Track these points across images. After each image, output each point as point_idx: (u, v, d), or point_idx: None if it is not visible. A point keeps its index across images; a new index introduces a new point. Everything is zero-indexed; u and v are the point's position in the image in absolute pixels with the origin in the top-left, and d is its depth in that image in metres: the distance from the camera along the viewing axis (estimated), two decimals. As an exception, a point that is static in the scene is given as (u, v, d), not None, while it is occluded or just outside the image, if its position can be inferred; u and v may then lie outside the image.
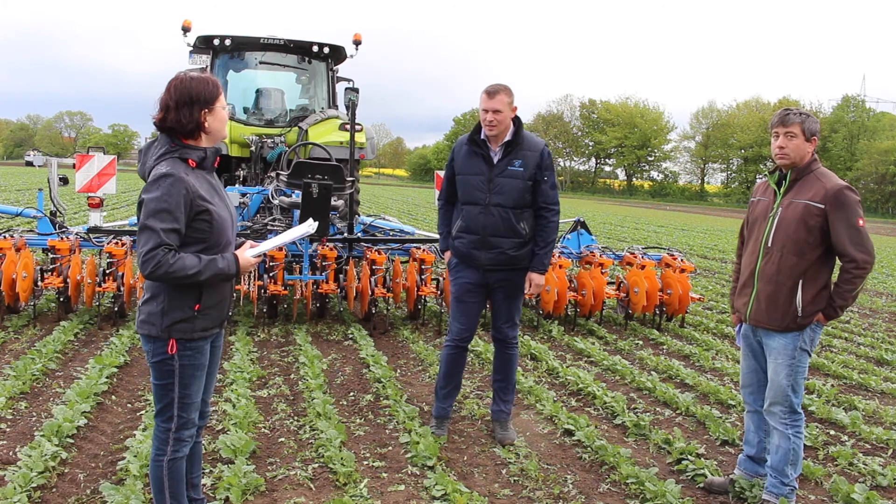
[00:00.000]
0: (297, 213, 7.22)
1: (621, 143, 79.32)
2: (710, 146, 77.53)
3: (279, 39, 9.40)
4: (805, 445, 4.34)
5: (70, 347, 6.15)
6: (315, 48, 9.50)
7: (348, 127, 7.89)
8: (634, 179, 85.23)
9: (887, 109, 73.92)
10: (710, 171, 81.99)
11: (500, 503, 3.83)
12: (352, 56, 9.62)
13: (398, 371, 6.07)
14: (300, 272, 7.31)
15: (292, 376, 5.73)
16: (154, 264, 2.65)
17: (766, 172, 3.86)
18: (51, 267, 7.04)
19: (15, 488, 3.48)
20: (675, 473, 4.26)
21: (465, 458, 4.35)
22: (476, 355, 6.59)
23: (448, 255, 4.75)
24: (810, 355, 3.69)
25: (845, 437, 4.98)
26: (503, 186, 4.41)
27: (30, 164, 57.15)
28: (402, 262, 7.83)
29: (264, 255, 6.99)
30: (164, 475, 2.93)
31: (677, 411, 5.36)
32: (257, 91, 9.94)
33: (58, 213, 8.28)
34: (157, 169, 2.74)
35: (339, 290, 7.40)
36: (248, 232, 7.53)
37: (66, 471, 3.85)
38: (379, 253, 7.45)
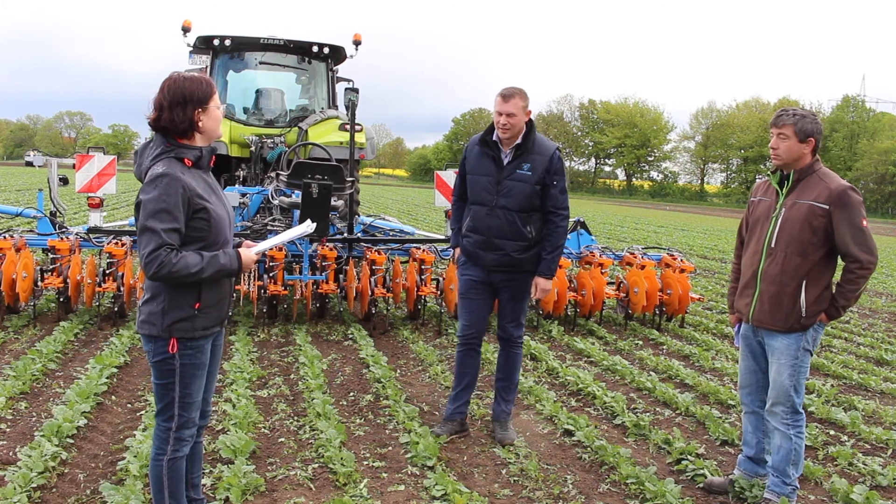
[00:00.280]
0: (297, 213, 7.22)
1: (621, 143, 79.33)
2: (710, 146, 77.51)
3: (279, 40, 9.40)
4: (805, 445, 4.34)
5: (70, 347, 6.15)
6: (315, 48, 9.50)
7: (348, 127, 7.89)
8: (634, 179, 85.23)
9: (887, 109, 73.95)
10: (709, 171, 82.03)
11: (500, 503, 3.83)
12: (352, 56, 9.63)
13: (398, 371, 6.07)
14: (300, 272, 7.31)
15: (292, 376, 5.73)
16: (157, 265, 2.66)
17: (768, 172, 3.86)
18: (51, 267, 7.04)
19: (15, 488, 3.48)
20: (674, 473, 4.26)
21: (465, 458, 4.35)
22: (476, 355, 6.58)
23: (457, 251, 4.77)
24: (812, 355, 3.70)
25: (845, 437, 4.98)
26: (510, 189, 4.41)
27: (30, 164, 57.11)
28: (401, 263, 7.83)
29: (264, 254, 7.00)
30: (164, 474, 2.94)
31: (677, 411, 5.36)
32: (257, 91, 9.94)
33: (58, 214, 8.28)
34: (153, 169, 2.75)
35: (338, 291, 7.41)
36: (248, 232, 7.53)
37: (66, 471, 3.85)
38: (379, 253, 7.45)
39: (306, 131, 9.14)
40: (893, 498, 4.07)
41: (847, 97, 70.61)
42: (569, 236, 9.11)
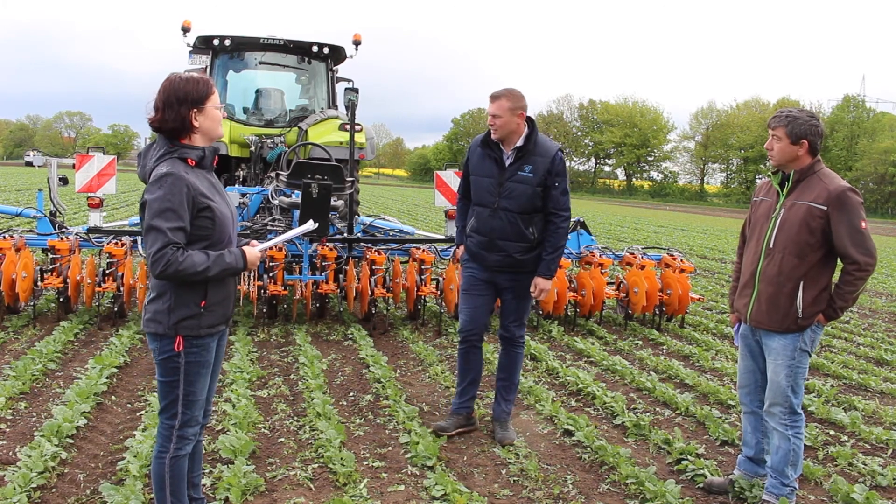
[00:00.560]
0: (297, 213, 7.22)
1: (621, 143, 79.34)
2: (710, 146, 77.50)
3: (279, 40, 9.40)
4: (805, 445, 4.33)
5: (70, 347, 6.15)
6: (315, 48, 9.50)
7: (348, 127, 7.89)
8: (634, 179, 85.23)
9: (887, 109, 73.93)
10: (709, 171, 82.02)
11: (500, 503, 3.83)
12: (351, 56, 9.63)
13: (398, 371, 6.07)
14: (300, 272, 7.31)
15: (292, 376, 5.73)
16: (164, 264, 2.69)
17: (769, 173, 3.85)
18: (51, 267, 7.04)
19: (15, 488, 3.48)
20: (674, 473, 4.26)
21: (465, 459, 4.35)
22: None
23: (461, 249, 4.79)
24: (810, 356, 3.69)
25: (845, 438, 4.98)
26: (512, 191, 4.41)
27: (29, 164, 57.17)
28: (401, 263, 7.83)
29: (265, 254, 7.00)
30: (166, 472, 2.95)
31: (677, 411, 5.36)
32: (257, 91, 9.94)
33: (58, 214, 8.28)
34: (157, 170, 2.77)
35: (338, 291, 7.40)
36: (248, 232, 7.53)
37: (65, 471, 3.85)
38: (379, 253, 7.45)
39: (306, 131, 9.14)
40: (893, 498, 4.07)
41: (847, 97, 70.63)
42: (569, 236, 9.13)
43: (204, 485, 3.68)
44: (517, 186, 4.41)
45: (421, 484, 3.92)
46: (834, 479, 4.11)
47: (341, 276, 7.56)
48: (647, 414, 5.23)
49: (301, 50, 9.63)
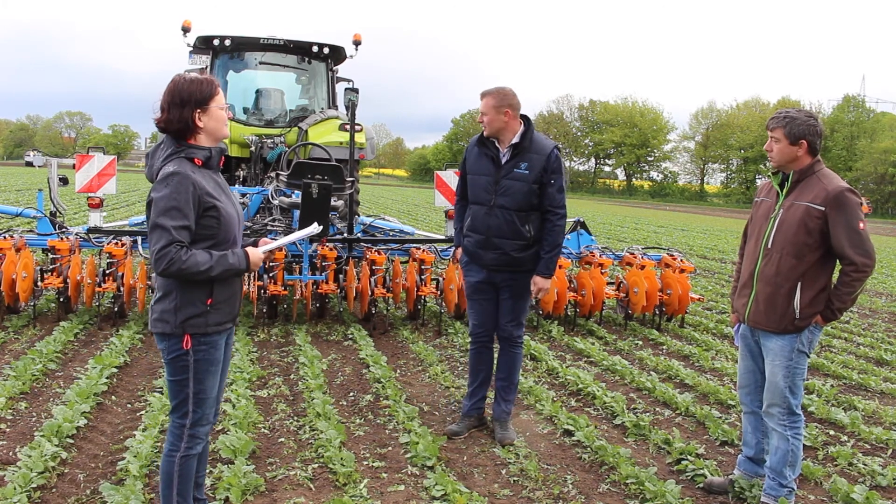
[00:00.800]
0: (297, 213, 7.22)
1: (621, 143, 79.35)
2: (710, 146, 77.52)
3: (279, 40, 9.40)
4: (805, 445, 4.34)
5: (70, 348, 6.15)
6: (315, 48, 9.50)
7: (348, 127, 7.89)
8: (634, 179, 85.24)
9: (887, 109, 73.97)
10: (709, 171, 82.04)
11: (500, 503, 3.83)
12: (351, 56, 9.63)
13: (398, 371, 6.07)
14: (300, 272, 7.31)
15: (292, 376, 5.73)
16: (167, 261, 2.71)
17: (769, 173, 3.85)
18: (51, 267, 7.04)
19: (15, 488, 3.48)
20: (674, 474, 4.26)
21: (465, 459, 4.35)
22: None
23: (459, 250, 4.79)
24: (808, 357, 3.68)
25: (845, 438, 4.98)
26: (508, 188, 4.42)
27: (30, 164, 57.18)
28: (401, 263, 7.83)
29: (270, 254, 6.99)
30: (175, 471, 2.96)
31: (677, 411, 5.36)
32: (257, 91, 9.94)
33: (58, 214, 8.29)
34: (164, 169, 2.80)
35: (338, 291, 7.41)
36: (248, 232, 7.53)
37: (65, 471, 3.85)
38: (379, 253, 7.45)
39: (306, 131, 9.14)
40: (893, 498, 4.07)
41: (847, 97, 70.63)
42: (569, 236, 9.12)
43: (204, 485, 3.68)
44: (513, 184, 4.42)
45: (421, 484, 3.92)
46: (834, 479, 4.11)
47: (341, 276, 7.56)
48: (647, 414, 5.23)
49: (301, 50, 9.63)
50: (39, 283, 6.79)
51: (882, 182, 62.11)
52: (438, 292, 7.57)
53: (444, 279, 7.51)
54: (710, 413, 5.18)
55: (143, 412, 4.70)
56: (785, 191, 3.66)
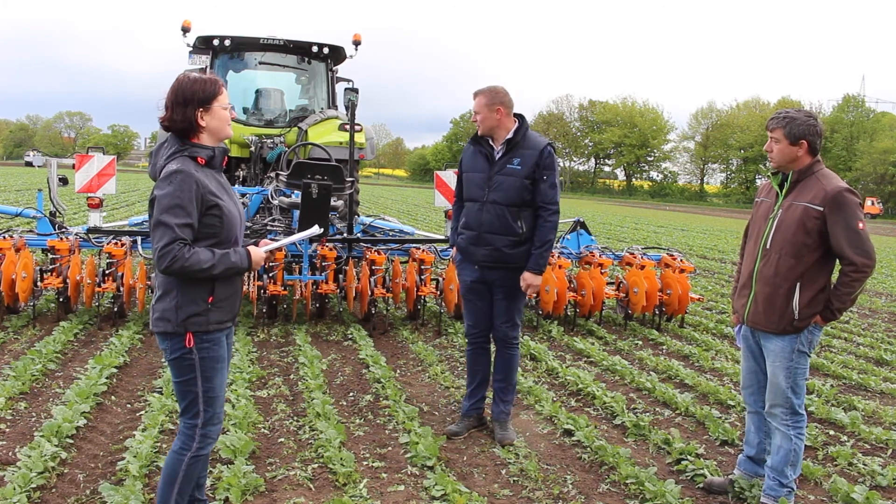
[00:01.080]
0: (297, 213, 7.22)
1: (620, 143, 79.36)
2: (710, 146, 77.55)
3: (279, 40, 9.40)
4: (805, 445, 4.33)
5: (70, 348, 6.15)
6: (314, 48, 9.50)
7: (348, 127, 7.89)
8: (634, 180, 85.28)
9: (887, 109, 73.96)
10: (709, 171, 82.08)
11: (500, 503, 3.83)
12: (351, 56, 9.63)
13: (398, 371, 6.07)
14: (300, 272, 7.31)
15: (292, 376, 5.73)
16: (170, 259, 2.71)
17: (768, 173, 3.85)
18: (50, 267, 7.04)
19: (14, 488, 3.48)
20: (674, 473, 4.26)
21: (465, 459, 4.35)
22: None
23: (454, 251, 4.81)
24: (809, 356, 3.68)
25: (845, 438, 4.98)
26: (501, 184, 4.45)
27: (29, 164, 57.14)
28: (401, 263, 7.83)
29: (272, 254, 6.99)
30: (182, 470, 2.94)
31: (677, 411, 5.36)
32: (257, 91, 9.94)
33: (57, 214, 8.28)
34: (168, 167, 2.80)
35: (338, 291, 7.40)
36: (248, 232, 7.53)
37: (65, 471, 3.85)
38: (378, 253, 7.45)
39: (306, 131, 9.14)
40: (893, 498, 4.07)
41: (847, 97, 70.64)
42: (568, 236, 9.13)
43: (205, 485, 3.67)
44: (505, 179, 4.45)
45: (421, 484, 3.92)
46: (834, 479, 4.11)
47: (341, 276, 7.56)
48: (647, 414, 5.23)
49: (301, 50, 9.63)
50: (39, 284, 6.79)
51: (882, 182, 62.12)
52: (438, 292, 7.57)
53: (443, 279, 7.51)
54: (709, 413, 5.18)
55: (142, 412, 4.69)
56: (784, 191, 3.66)
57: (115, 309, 7.18)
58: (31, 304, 7.00)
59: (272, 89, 10.00)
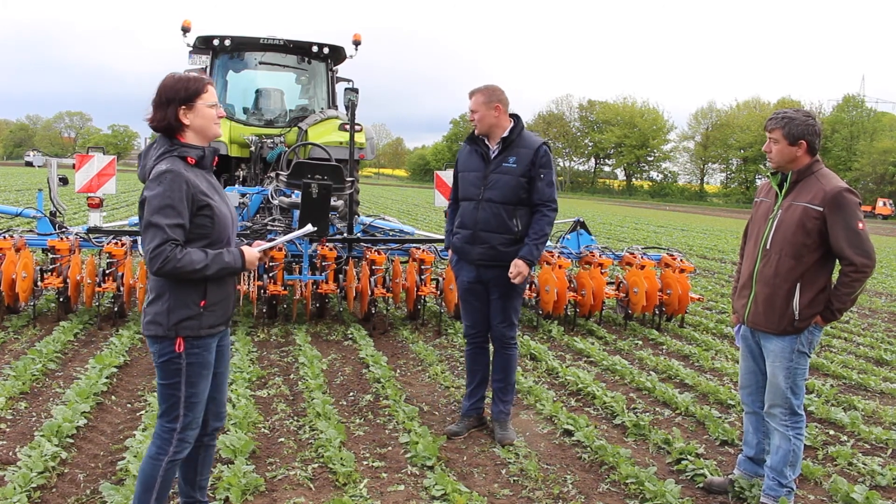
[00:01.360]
0: (297, 213, 7.22)
1: (620, 143, 79.36)
2: (710, 146, 77.55)
3: (279, 40, 9.41)
4: (805, 445, 4.34)
5: (70, 347, 6.15)
6: (314, 48, 9.51)
7: (348, 127, 7.89)
8: (634, 180, 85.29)
9: (887, 109, 73.96)
10: (709, 171, 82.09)
11: (500, 503, 3.83)
12: (351, 56, 9.63)
13: (398, 371, 6.07)
14: (300, 272, 7.31)
15: (292, 376, 5.73)
16: (162, 260, 2.68)
17: (768, 173, 3.85)
18: (50, 267, 7.04)
19: (15, 488, 3.48)
20: (674, 473, 4.26)
21: (465, 458, 4.35)
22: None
23: (451, 252, 4.80)
24: (809, 357, 3.68)
25: (845, 437, 4.98)
26: (496, 182, 4.46)
27: (29, 164, 57.20)
28: (401, 263, 7.83)
29: (265, 254, 6.99)
30: (159, 476, 2.90)
31: (677, 411, 5.36)
32: (257, 91, 9.94)
33: (57, 214, 8.29)
34: (157, 167, 2.77)
35: (338, 291, 7.41)
36: (248, 232, 7.53)
37: (65, 471, 3.85)
38: (378, 253, 7.46)
39: (306, 131, 9.15)
40: (893, 498, 4.07)
41: (847, 97, 70.64)
42: (568, 236, 9.13)
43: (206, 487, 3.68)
44: (501, 177, 4.45)
45: (421, 484, 3.92)
46: (834, 479, 4.11)
47: (341, 276, 7.57)
48: (647, 414, 5.23)
49: (301, 50, 9.64)
50: (39, 283, 6.79)
51: (881, 182, 62.11)
52: (438, 292, 7.57)
53: (444, 279, 7.52)
54: (709, 413, 5.18)
55: (142, 412, 4.69)
56: (784, 191, 3.65)
57: (116, 309, 7.18)
58: (32, 303, 7.00)
59: (272, 89, 10.01)
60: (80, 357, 5.93)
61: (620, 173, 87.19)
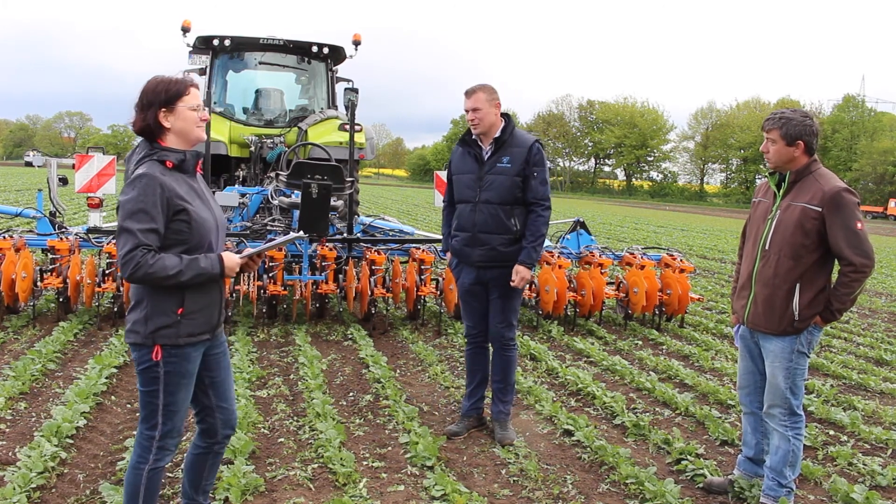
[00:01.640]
0: (297, 213, 7.22)
1: (620, 143, 79.37)
2: (710, 146, 77.56)
3: (278, 40, 9.41)
4: (805, 445, 4.34)
5: (69, 348, 6.15)
6: (314, 48, 9.51)
7: (347, 127, 7.89)
8: (634, 180, 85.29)
9: (887, 109, 73.94)
10: (709, 171, 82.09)
11: (500, 503, 3.83)
12: (351, 56, 9.64)
13: (397, 371, 6.07)
14: (300, 272, 7.31)
15: (292, 376, 5.73)
16: (133, 266, 2.62)
17: (766, 174, 3.84)
18: (50, 267, 7.04)
19: (14, 489, 3.48)
20: (674, 473, 4.26)
21: (465, 459, 4.35)
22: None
23: (449, 255, 4.79)
24: (808, 357, 3.68)
25: (845, 437, 4.98)
26: (492, 183, 4.46)
27: (29, 164, 57.17)
28: (401, 263, 7.83)
29: (264, 255, 7.00)
30: (142, 484, 2.86)
31: (677, 411, 5.36)
32: (257, 91, 9.95)
33: (57, 214, 8.29)
34: (135, 172, 2.72)
35: (338, 291, 7.41)
36: (248, 232, 7.54)
37: (65, 471, 3.85)
38: (378, 253, 7.45)
39: (306, 131, 9.15)
40: (893, 498, 4.07)
41: (847, 97, 70.62)
42: (568, 236, 9.13)
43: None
44: (496, 178, 4.45)
45: (420, 484, 3.92)
46: (834, 479, 4.11)
47: (341, 276, 7.57)
48: (647, 414, 5.23)
49: (301, 50, 9.64)
50: (39, 284, 6.79)
51: (881, 182, 62.11)
52: (438, 292, 7.57)
53: (443, 279, 7.52)
54: (709, 413, 5.18)
55: (142, 412, 4.69)
56: (782, 192, 3.65)
57: (115, 309, 7.18)
58: (31, 304, 7.00)
59: (272, 89, 10.01)
60: (80, 357, 5.93)
61: (620, 173, 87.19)
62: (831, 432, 5.07)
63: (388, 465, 4.16)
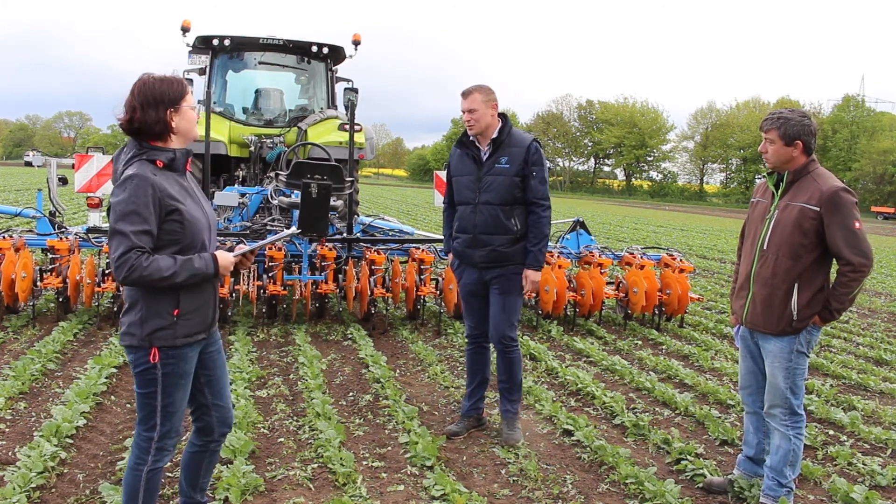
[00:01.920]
0: (297, 213, 7.22)
1: (620, 143, 79.37)
2: (709, 146, 77.55)
3: (278, 40, 9.41)
4: (804, 445, 4.34)
5: (69, 348, 6.15)
6: (314, 48, 9.51)
7: (347, 127, 7.89)
8: (633, 179, 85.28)
9: (887, 109, 73.91)
10: (709, 171, 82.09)
11: (500, 503, 3.83)
12: (351, 56, 9.64)
13: (397, 371, 6.07)
14: (299, 272, 7.31)
15: (291, 376, 5.73)
16: (127, 268, 2.59)
17: (766, 173, 3.85)
18: (50, 267, 7.04)
19: (14, 488, 3.48)
20: (674, 473, 4.26)
21: (465, 458, 4.35)
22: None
23: (451, 256, 4.80)
24: (808, 357, 3.68)
25: (844, 437, 4.98)
26: (491, 184, 4.45)
27: (29, 164, 57.18)
28: (401, 263, 7.83)
29: (263, 254, 7.01)
30: (141, 486, 2.86)
31: (676, 411, 5.36)
32: (256, 91, 9.95)
33: (57, 214, 8.29)
34: (125, 173, 2.70)
35: (338, 291, 7.41)
36: (248, 232, 7.53)
37: (65, 471, 3.85)
38: (378, 253, 7.45)
39: (306, 131, 9.15)
40: (893, 498, 4.07)
41: (848, 97, 70.61)
42: (568, 236, 9.13)
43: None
44: (495, 179, 4.45)
45: (420, 484, 3.92)
46: (833, 479, 4.11)
47: (341, 276, 7.56)
48: (647, 414, 5.23)
49: (300, 50, 9.64)
50: (39, 283, 6.78)
51: (881, 182, 62.11)
52: (438, 292, 7.57)
53: (443, 279, 7.52)
54: (709, 413, 5.19)
55: (142, 412, 4.69)
56: (780, 191, 3.65)
57: (115, 309, 7.18)
58: (31, 303, 7.00)
59: (272, 89, 10.01)
60: (80, 357, 5.93)
61: (620, 173, 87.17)
62: (831, 432, 5.07)
63: (388, 465, 4.16)
